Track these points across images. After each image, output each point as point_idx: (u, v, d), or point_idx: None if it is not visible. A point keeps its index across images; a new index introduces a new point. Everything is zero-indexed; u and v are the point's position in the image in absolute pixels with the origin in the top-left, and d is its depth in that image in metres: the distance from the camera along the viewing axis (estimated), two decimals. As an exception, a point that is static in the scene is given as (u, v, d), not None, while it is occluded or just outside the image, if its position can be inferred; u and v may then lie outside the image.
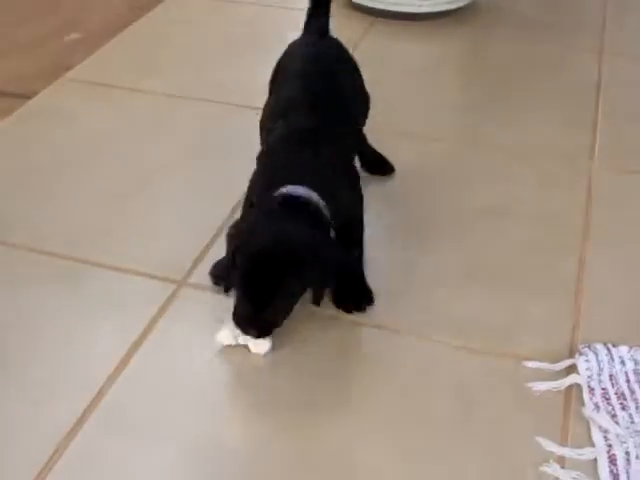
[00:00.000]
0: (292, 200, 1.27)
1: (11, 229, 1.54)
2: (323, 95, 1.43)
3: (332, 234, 1.33)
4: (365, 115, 1.59)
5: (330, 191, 1.30)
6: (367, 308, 1.37)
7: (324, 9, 1.60)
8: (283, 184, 1.29)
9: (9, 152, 1.78)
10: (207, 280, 1.41)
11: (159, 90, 2.03)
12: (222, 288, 1.34)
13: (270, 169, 1.36)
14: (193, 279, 1.42)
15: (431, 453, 1.14)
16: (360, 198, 1.42)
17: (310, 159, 1.32)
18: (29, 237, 1.52)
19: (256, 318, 1.23)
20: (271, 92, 1.57)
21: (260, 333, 1.25)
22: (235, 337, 1.28)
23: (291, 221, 1.25)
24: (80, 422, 1.16)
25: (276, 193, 1.28)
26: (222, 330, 1.28)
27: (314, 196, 1.28)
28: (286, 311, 1.26)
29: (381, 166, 1.68)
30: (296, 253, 1.22)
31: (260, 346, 1.27)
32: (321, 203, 1.29)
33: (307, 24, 1.61)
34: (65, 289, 1.41)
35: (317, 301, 1.28)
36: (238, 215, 1.53)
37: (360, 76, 1.59)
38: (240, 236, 1.26)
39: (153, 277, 1.42)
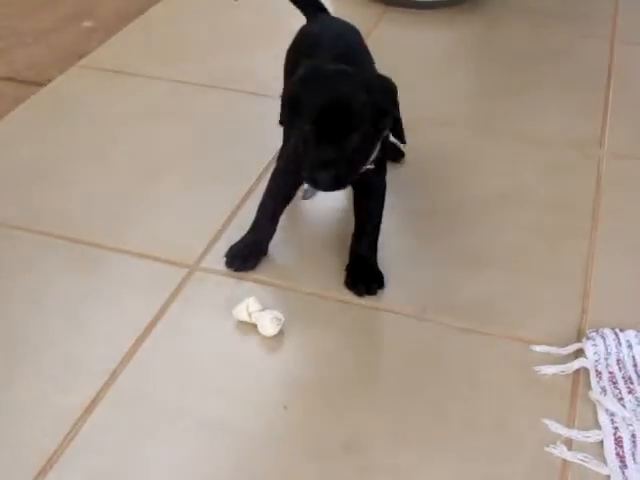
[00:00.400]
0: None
1: (28, 215, 1.56)
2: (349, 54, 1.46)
3: None
4: None
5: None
6: (378, 291, 1.38)
7: None
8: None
9: (24, 139, 1.80)
10: (219, 264, 1.43)
11: (173, 77, 2.04)
12: (235, 270, 1.38)
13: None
14: (205, 263, 1.44)
15: (439, 435, 1.16)
16: (383, 167, 1.43)
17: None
18: (44, 222, 1.54)
19: (333, 161, 1.22)
20: (287, 75, 1.57)
21: (338, 178, 1.24)
22: (249, 314, 1.30)
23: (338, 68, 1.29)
24: (94, 403, 1.18)
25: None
26: (239, 305, 1.30)
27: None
28: (363, 156, 1.28)
29: (391, 152, 1.69)
30: (366, 82, 1.25)
31: (269, 329, 1.29)
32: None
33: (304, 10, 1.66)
34: (80, 273, 1.43)
35: (401, 136, 1.32)
36: (252, 200, 1.56)
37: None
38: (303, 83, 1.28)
39: (166, 261, 1.44)
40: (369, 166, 1.34)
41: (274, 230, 1.44)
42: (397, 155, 1.69)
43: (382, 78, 1.33)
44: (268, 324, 1.28)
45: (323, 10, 1.66)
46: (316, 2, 1.66)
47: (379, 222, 1.43)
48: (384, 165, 1.42)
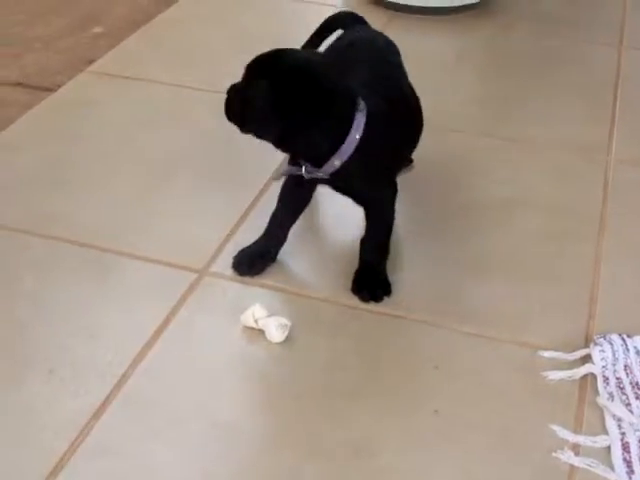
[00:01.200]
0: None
1: (36, 219, 1.57)
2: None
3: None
4: None
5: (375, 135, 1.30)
6: (384, 298, 1.39)
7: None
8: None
9: (33, 144, 1.81)
10: (228, 269, 1.43)
11: (181, 83, 2.05)
12: (240, 274, 1.40)
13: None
14: (214, 268, 1.44)
15: (446, 440, 1.16)
16: (393, 178, 1.42)
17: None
18: (54, 227, 1.54)
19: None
20: None
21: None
22: (256, 321, 1.30)
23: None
24: (103, 406, 1.19)
25: None
26: (246, 312, 1.31)
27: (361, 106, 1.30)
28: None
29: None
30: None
31: (276, 335, 1.30)
32: (359, 119, 1.29)
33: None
34: (89, 277, 1.44)
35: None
36: (260, 205, 1.56)
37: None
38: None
39: (175, 266, 1.45)
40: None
41: (284, 238, 1.44)
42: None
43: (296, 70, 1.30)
44: (274, 331, 1.29)
45: (361, 22, 1.64)
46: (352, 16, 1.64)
47: (385, 230, 1.42)
48: (380, 180, 1.38)
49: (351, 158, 1.29)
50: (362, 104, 1.29)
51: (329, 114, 1.27)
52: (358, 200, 1.39)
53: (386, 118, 1.33)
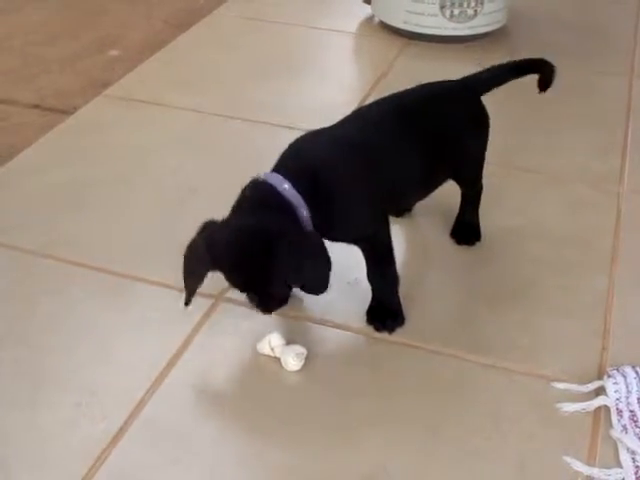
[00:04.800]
0: (255, 187, 1.29)
1: (53, 243, 1.58)
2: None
3: (306, 225, 1.27)
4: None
5: (315, 193, 1.26)
6: (396, 329, 1.40)
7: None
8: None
9: (49, 167, 1.83)
10: (243, 295, 1.44)
11: (197, 107, 2.07)
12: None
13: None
14: (230, 294, 1.45)
15: (459, 470, 1.16)
16: (375, 218, 1.35)
17: (307, 156, 1.32)
18: (70, 251, 1.56)
19: (265, 304, 1.30)
20: None
21: (272, 310, 1.32)
22: (272, 349, 1.32)
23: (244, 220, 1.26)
24: (121, 432, 1.20)
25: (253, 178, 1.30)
26: (263, 339, 1.33)
27: (283, 186, 1.26)
28: (288, 293, 1.34)
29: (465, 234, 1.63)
30: (257, 253, 1.21)
31: (292, 365, 1.31)
32: (291, 192, 1.25)
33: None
34: (105, 302, 1.45)
35: (318, 288, 1.27)
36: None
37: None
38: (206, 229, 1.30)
39: (191, 292, 1.46)
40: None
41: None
42: (471, 237, 1.62)
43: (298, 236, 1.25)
44: (291, 360, 1.30)
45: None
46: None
47: (385, 262, 1.39)
48: (364, 224, 1.34)
49: (322, 225, 1.28)
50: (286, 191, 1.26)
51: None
52: (352, 242, 1.38)
53: (342, 174, 1.30)
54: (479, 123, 1.53)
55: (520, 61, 1.62)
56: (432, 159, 1.42)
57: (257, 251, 1.21)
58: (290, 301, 1.42)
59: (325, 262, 1.26)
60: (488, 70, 1.57)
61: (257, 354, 1.33)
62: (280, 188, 1.26)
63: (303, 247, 1.24)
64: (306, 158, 1.32)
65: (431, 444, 1.20)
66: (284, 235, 1.22)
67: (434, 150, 1.42)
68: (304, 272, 1.24)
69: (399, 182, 1.37)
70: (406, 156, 1.38)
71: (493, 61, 2.36)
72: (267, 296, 1.29)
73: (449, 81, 1.52)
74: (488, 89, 1.55)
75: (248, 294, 1.30)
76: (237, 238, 1.24)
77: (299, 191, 1.26)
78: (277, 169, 1.31)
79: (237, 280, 1.26)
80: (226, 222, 1.28)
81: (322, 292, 1.27)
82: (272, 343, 1.32)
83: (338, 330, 1.39)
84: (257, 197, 1.28)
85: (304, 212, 1.26)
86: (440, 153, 1.44)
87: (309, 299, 1.44)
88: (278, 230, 1.22)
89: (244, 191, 1.30)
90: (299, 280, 1.27)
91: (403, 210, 1.66)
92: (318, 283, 1.27)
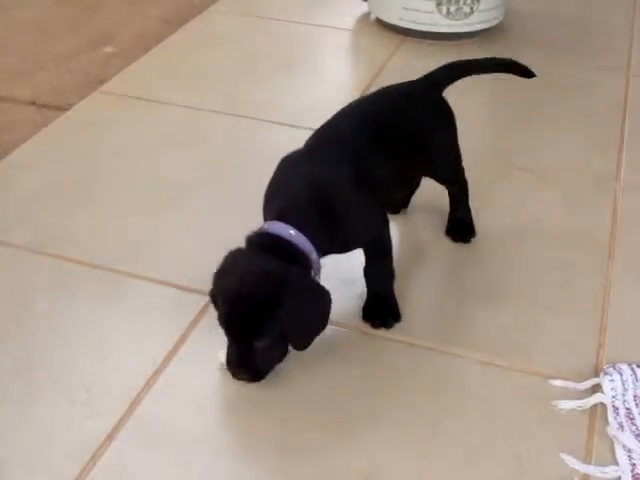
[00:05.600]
0: (263, 238, 1.26)
1: (49, 239, 1.58)
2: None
3: (316, 268, 1.29)
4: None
5: (320, 222, 1.27)
6: (393, 325, 1.40)
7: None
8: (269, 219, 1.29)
9: (44, 163, 1.83)
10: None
11: (193, 104, 2.07)
12: None
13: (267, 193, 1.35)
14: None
15: (457, 468, 1.16)
16: (373, 218, 1.36)
17: (301, 188, 1.29)
18: (66, 248, 1.55)
19: (243, 362, 1.23)
20: None
21: (252, 377, 1.25)
22: None
23: (257, 260, 1.24)
24: (116, 430, 1.19)
25: (253, 232, 1.28)
26: (223, 349, 1.27)
27: (289, 232, 1.25)
28: (273, 355, 1.25)
29: (460, 230, 1.63)
30: (266, 296, 1.19)
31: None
32: (299, 239, 1.25)
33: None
34: (100, 299, 1.44)
35: (304, 345, 1.25)
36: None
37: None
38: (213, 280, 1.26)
39: (186, 289, 1.46)
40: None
41: None
42: (466, 234, 1.63)
43: (307, 284, 1.25)
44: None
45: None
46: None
47: (383, 259, 1.40)
48: (361, 228, 1.34)
49: (335, 247, 1.31)
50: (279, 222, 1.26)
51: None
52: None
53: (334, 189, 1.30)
54: (443, 119, 1.54)
55: (485, 60, 1.63)
56: (404, 159, 1.43)
57: (263, 292, 1.19)
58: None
59: (323, 322, 1.26)
60: (449, 66, 1.57)
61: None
62: (287, 236, 1.25)
63: (311, 300, 1.24)
64: (300, 193, 1.29)
65: (427, 442, 1.20)
66: (297, 283, 1.21)
67: (405, 150, 1.43)
68: (301, 323, 1.23)
69: (380, 184, 1.37)
70: (382, 159, 1.37)
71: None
72: (253, 351, 1.22)
73: (409, 82, 1.53)
74: (448, 84, 1.57)
75: (234, 348, 1.23)
76: (246, 274, 1.22)
77: (306, 234, 1.26)
78: (274, 214, 1.28)
79: (231, 314, 1.21)
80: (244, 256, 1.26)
81: (305, 348, 1.26)
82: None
83: (333, 327, 1.38)
84: (268, 245, 1.25)
85: (313, 255, 1.27)
86: (411, 152, 1.45)
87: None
88: (290, 277, 1.21)
89: (251, 239, 1.28)
90: (293, 330, 1.23)
91: (399, 206, 1.66)
92: (307, 339, 1.25)
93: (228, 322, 1.22)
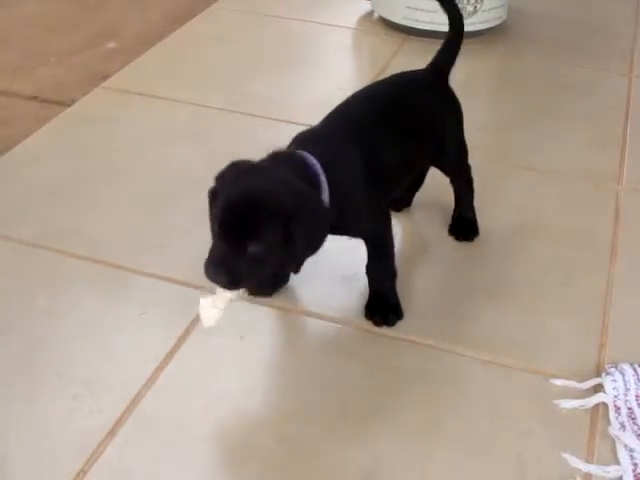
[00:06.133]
0: (286, 155, 1.26)
1: (51, 234, 1.57)
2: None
3: (325, 198, 1.26)
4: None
5: (335, 173, 1.26)
6: (396, 322, 1.39)
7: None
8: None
9: (47, 158, 1.82)
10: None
11: (195, 101, 2.06)
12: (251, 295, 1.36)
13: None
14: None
15: (457, 466, 1.16)
16: (376, 208, 1.36)
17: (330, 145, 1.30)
18: (68, 243, 1.55)
19: (226, 263, 1.15)
20: None
21: (229, 281, 1.16)
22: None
23: (278, 171, 1.21)
24: (117, 426, 1.19)
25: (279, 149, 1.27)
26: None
27: (312, 159, 1.24)
28: (260, 267, 1.18)
29: (463, 228, 1.63)
30: (277, 201, 1.15)
31: (209, 318, 1.20)
32: (319, 169, 1.24)
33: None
34: (102, 294, 1.44)
35: (296, 266, 1.21)
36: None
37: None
38: (222, 178, 1.23)
39: (188, 285, 1.45)
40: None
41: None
42: (469, 233, 1.63)
43: (306, 196, 1.21)
44: (211, 312, 1.20)
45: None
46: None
47: (386, 256, 1.41)
48: (366, 216, 1.34)
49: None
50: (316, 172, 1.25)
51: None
52: (354, 235, 1.38)
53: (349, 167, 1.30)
54: (450, 104, 1.55)
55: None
56: (413, 144, 1.43)
57: (280, 197, 1.16)
58: (283, 292, 1.42)
59: (318, 247, 1.23)
60: (444, 50, 1.58)
61: (255, 349, 1.33)
62: (312, 164, 1.24)
63: (321, 225, 1.22)
64: (315, 153, 1.28)
65: (428, 440, 1.20)
66: (316, 203, 1.20)
67: (414, 134, 1.43)
68: (306, 242, 1.19)
69: (388, 168, 1.37)
70: (391, 144, 1.37)
71: (493, 58, 2.39)
72: (243, 253, 1.15)
73: (416, 70, 1.55)
74: (452, 64, 1.58)
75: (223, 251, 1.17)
76: (252, 174, 1.21)
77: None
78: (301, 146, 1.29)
79: (234, 210, 1.16)
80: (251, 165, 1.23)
81: (298, 270, 1.22)
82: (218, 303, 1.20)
83: (335, 324, 1.38)
84: (289, 161, 1.24)
85: (326, 194, 1.25)
86: (420, 137, 1.45)
87: (305, 291, 1.44)
88: (312, 195, 1.20)
89: (276, 154, 1.26)
90: (296, 245, 1.18)
91: (402, 205, 1.66)
92: (302, 258, 1.22)
93: (229, 217, 1.16)
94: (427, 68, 1.56)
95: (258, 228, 1.15)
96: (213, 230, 1.21)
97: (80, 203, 1.68)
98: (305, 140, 1.33)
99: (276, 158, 1.27)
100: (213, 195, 1.22)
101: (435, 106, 1.50)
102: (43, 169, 1.78)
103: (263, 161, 1.26)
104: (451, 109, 1.55)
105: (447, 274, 1.52)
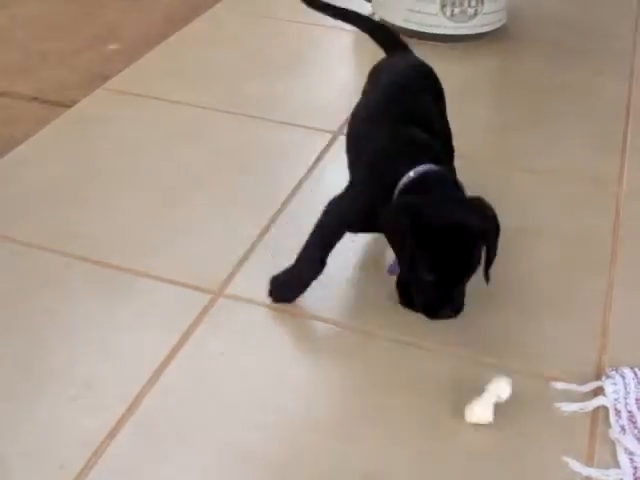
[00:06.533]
0: (435, 176, 1.34)
1: (52, 235, 1.58)
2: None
3: None
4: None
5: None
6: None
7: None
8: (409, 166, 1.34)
9: (48, 160, 1.82)
10: (243, 291, 1.44)
11: (197, 102, 2.06)
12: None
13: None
14: (229, 290, 1.45)
15: (459, 469, 1.16)
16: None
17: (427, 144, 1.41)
18: (69, 244, 1.55)
19: (452, 297, 1.29)
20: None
21: (458, 311, 1.31)
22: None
23: (453, 197, 1.33)
24: (118, 426, 1.19)
25: (412, 173, 1.33)
26: (476, 406, 1.23)
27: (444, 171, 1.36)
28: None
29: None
30: (479, 227, 1.28)
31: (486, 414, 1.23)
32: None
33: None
34: (103, 295, 1.44)
35: (488, 275, 1.34)
36: (276, 227, 1.57)
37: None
38: (416, 213, 1.27)
39: (189, 286, 1.45)
40: None
41: (321, 271, 1.41)
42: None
43: (489, 217, 1.34)
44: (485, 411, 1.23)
45: (404, 48, 1.68)
46: (396, 40, 1.69)
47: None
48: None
49: None
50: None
51: None
52: None
53: None
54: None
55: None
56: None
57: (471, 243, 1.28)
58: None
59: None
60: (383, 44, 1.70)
61: (255, 349, 1.33)
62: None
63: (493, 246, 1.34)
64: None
65: (428, 442, 1.20)
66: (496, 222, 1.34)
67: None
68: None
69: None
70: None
71: (494, 61, 2.39)
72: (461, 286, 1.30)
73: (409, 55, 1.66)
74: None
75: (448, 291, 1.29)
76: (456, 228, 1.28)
77: None
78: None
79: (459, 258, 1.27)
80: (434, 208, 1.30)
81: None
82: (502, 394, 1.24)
83: (333, 327, 1.39)
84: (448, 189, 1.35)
85: None
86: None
87: (305, 293, 1.44)
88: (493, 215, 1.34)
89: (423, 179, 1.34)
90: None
91: None
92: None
93: (455, 265, 1.27)
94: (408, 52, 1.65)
95: (473, 264, 1.29)
96: (426, 269, 1.28)
97: (80, 204, 1.68)
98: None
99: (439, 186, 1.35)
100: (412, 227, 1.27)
101: (440, 85, 1.62)
102: (44, 170, 1.78)
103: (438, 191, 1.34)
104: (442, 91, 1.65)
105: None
